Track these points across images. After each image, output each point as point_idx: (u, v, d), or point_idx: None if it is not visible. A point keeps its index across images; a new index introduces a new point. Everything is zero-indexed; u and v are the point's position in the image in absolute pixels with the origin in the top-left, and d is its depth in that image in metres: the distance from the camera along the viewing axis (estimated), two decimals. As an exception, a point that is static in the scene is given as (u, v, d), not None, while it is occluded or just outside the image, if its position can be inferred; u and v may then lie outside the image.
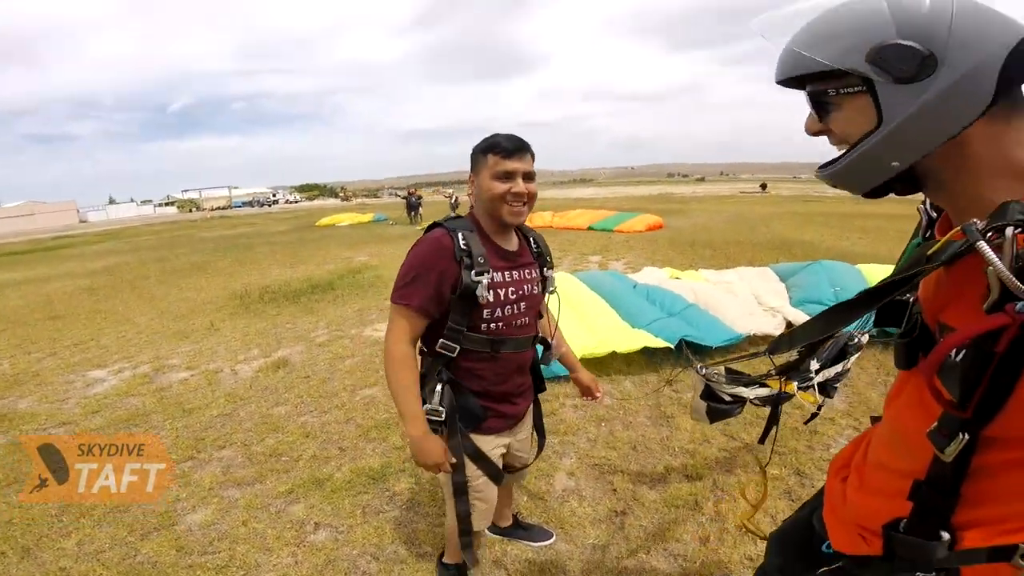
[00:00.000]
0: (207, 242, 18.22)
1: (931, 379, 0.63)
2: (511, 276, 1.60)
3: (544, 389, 1.95)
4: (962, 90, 0.63)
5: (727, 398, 1.73)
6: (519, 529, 2.36)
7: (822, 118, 0.76)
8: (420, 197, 21.67)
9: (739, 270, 6.68)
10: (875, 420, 1.01)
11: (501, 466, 1.80)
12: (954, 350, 0.63)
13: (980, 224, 0.60)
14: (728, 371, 1.74)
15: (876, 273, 5.33)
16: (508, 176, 1.51)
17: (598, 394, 2.01)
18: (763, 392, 1.68)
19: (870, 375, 3.84)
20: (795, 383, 1.62)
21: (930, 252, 0.65)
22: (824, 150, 0.82)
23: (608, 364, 4.12)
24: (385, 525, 2.49)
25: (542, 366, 1.87)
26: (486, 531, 2.38)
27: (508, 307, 1.59)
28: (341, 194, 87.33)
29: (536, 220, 16.54)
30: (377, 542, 2.38)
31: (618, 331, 4.41)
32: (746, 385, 1.70)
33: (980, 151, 0.67)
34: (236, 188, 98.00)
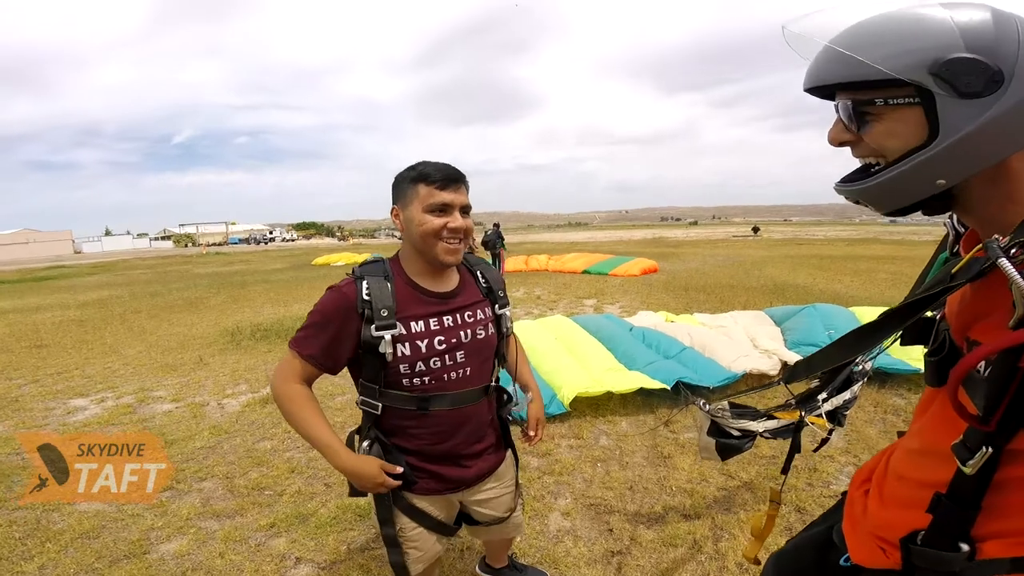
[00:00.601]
0: (201, 278, 18.16)
1: (954, 393, 0.61)
2: (439, 323, 1.44)
3: (511, 445, 1.74)
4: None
5: (736, 433, 1.68)
6: (513, 571, 2.25)
7: (860, 128, 0.71)
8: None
9: (734, 314, 6.70)
10: (900, 435, 0.98)
11: (454, 518, 1.66)
12: (981, 365, 0.62)
13: (1002, 241, 0.59)
14: (733, 405, 1.69)
15: (869, 316, 5.36)
16: (444, 209, 1.38)
17: (532, 433, 1.73)
18: (772, 424, 1.64)
19: (867, 413, 3.81)
20: (803, 412, 1.58)
21: (955, 271, 0.64)
22: (830, 179, 0.79)
23: (604, 405, 4.08)
24: (370, 563, 2.38)
25: (509, 416, 1.68)
26: (478, 571, 2.28)
27: (435, 359, 1.42)
28: (338, 234, 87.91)
29: (532, 263, 16.62)
30: (360, 579, 2.29)
31: (614, 372, 4.39)
32: (753, 418, 1.65)
33: (1020, 173, 0.66)
34: (233, 224, 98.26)
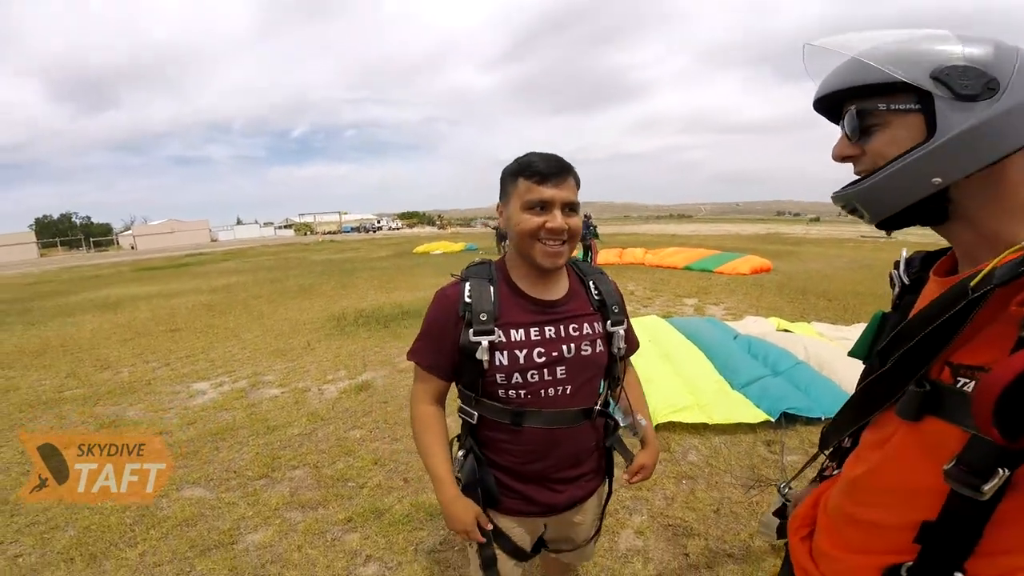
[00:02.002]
0: (316, 265, 19.46)
1: (986, 417, 0.58)
2: (540, 333, 1.33)
3: (611, 475, 1.60)
4: (1019, 116, 0.64)
5: None
6: None
7: (862, 138, 0.75)
8: None
9: (858, 327, 5.85)
10: (824, 477, 1.02)
11: (531, 544, 1.55)
12: (970, 386, 0.64)
13: None
14: None
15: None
16: (543, 207, 1.25)
17: (634, 480, 1.55)
18: None
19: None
20: None
21: (974, 283, 0.64)
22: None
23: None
24: (434, 566, 2.38)
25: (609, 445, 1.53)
26: None
27: (532, 372, 1.31)
28: (438, 222, 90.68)
29: (627, 257, 15.97)
30: (423, 583, 2.29)
31: (714, 388, 4.06)
32: None
33: (1018, 183, 0.68)
34: (346, 214, 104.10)
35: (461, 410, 1.41)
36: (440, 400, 1.44)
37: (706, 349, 4.79)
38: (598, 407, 1.44)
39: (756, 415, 3.72)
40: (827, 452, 1.01)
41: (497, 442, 1.39)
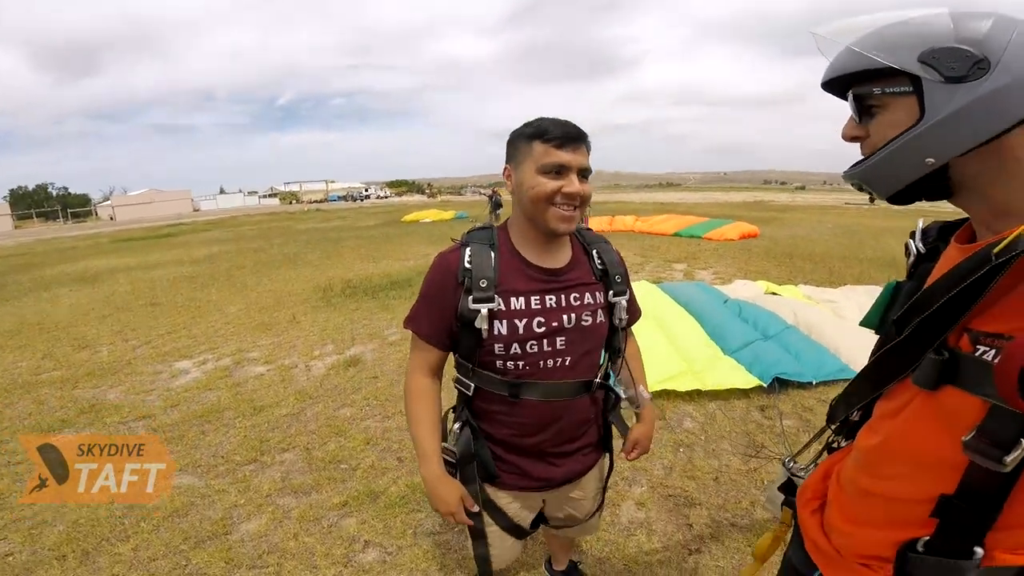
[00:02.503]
0: (301, 234, 19.11)
1: (1012, 386, 0.57)
2: (541, 302, 1.28)
3: (611, 450, 1.60)
4: (1010, 94, 0.63)
5: None
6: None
7: (864, 121, 0.77)
8: (500, 196, 21.99)
9: (844, 289, 6.11)
10: (832, 449, 1.00)
11: (530, 520, 1.54)
12: (990, 353, 0.63)
13: None
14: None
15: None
16: (560, 171, 1.21)
17: (631, 456, 1.55)
18: None
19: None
20: None
21: (998, 249, 0.62)
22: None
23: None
24: (435, 549, 2.34)
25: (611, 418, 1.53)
26: (544, 570, 2.17)
27: (531, 343, 1.28)
28: (427, 191, 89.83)
29: (617, 224, 15.87)
30: (424, 567, 2.25)
31: (706, 354, 4.04)
32: None
33: (1021, 157, 0.67)
34: (333, 182, 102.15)
35: (457, 381, 1.38)
36: (437, 372, 1.40)
37: (697, 314, 4.78)
38: (598, 379, 1.42)
39: (748, 380, 3.72)
40: (833, 426, 0.99)
41: (494, 414, 1.37)
